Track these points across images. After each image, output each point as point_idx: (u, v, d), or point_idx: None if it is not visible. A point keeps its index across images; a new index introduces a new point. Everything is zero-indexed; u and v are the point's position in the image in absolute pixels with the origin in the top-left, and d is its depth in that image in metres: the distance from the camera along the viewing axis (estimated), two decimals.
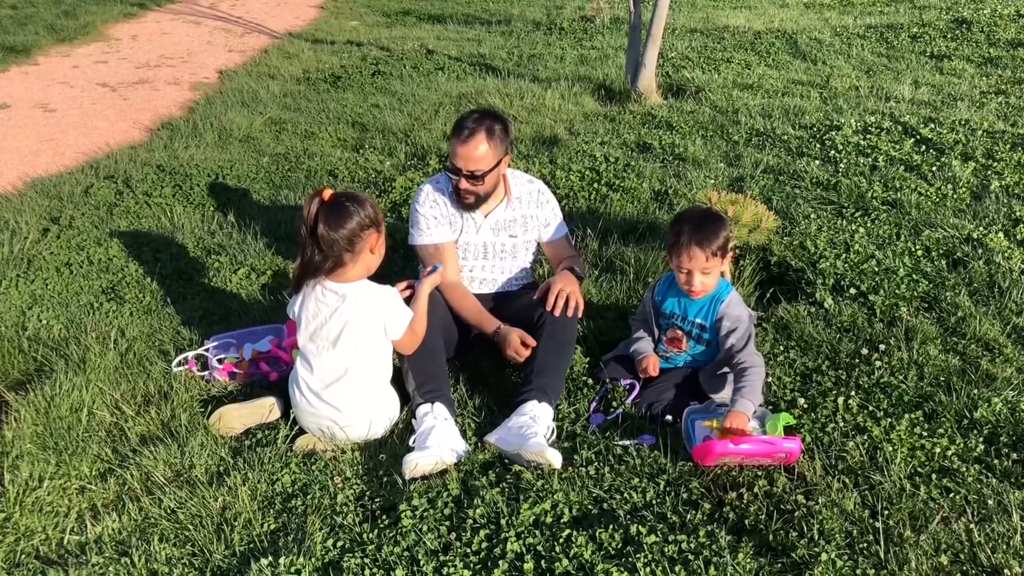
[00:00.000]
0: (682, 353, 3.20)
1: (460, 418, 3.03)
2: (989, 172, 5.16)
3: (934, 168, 5.24)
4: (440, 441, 2.78)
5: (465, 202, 3.33)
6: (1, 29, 10.48)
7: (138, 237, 4.54)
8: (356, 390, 2.89)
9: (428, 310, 3.08)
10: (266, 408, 3.05)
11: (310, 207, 2.77)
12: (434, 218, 3.38)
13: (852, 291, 3.76)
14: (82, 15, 11.69)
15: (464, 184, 3.26)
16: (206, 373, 3.31)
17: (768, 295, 3.89)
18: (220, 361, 3.29)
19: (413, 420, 2.92)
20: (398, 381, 3.06)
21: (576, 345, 3.37)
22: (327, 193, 2.80)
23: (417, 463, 2.68)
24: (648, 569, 2.25)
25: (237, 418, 3.01)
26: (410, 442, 2.83)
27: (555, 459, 2.70)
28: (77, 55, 9.87)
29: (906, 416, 2.89)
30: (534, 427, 2.82)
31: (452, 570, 2.27)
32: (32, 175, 5.72)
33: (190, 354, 3.37)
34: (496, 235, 3.45)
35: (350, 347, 2.86)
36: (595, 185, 5.06)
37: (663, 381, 3.16)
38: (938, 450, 2.74)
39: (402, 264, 4.23)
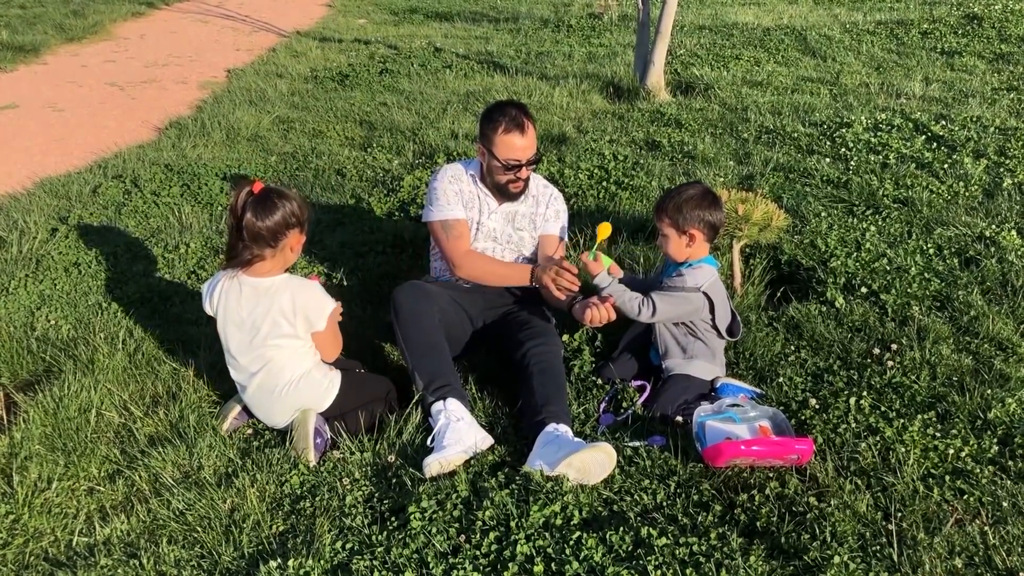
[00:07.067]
0: None
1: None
2: (1001, 169, 5.12)
3: (946, 165, 5.20)
4: (458, 438, 2.76)
5: (516, 191, 3.40)
6: (10, 29, 10.51)
7: (146, 237, 4.54)
8: (279, 380, 2.91)
9: (425, 305, 3.10)
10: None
11: (239, 196, 2.79)
12: (455, 193, 3.41)
13: (863, 290, 3.74)
14: (90, 14, 11.72)
15: (525, 173, 3.35)
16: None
17: (779, 294, 3.87)
18: None
19: (429, 418, 2.90)
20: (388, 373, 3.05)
21: (584, 346, 3.36)
22: (258, 185, 2.82)
23: (439, 463, 2.68)
24: (659, 572, 2.24)
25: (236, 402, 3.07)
26: (428, 442, 2.82)
27: (612, 450, 2.65)
28: (85, 54, 9.90)
29: (919, 416, 2.87)
30: (570, 436, 2.76)
31: (461, 572, 2.26)
32: (41, 175, 5.72)
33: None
34: (506, 225, 3.46)
35: (271, 341, 2.87)
36: (604, 183, 5.04)
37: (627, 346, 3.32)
38: (951, 451, 2.72)
39: (410, 263, 4.22)
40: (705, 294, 3.10)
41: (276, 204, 2.80)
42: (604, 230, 3.25)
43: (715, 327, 3.15)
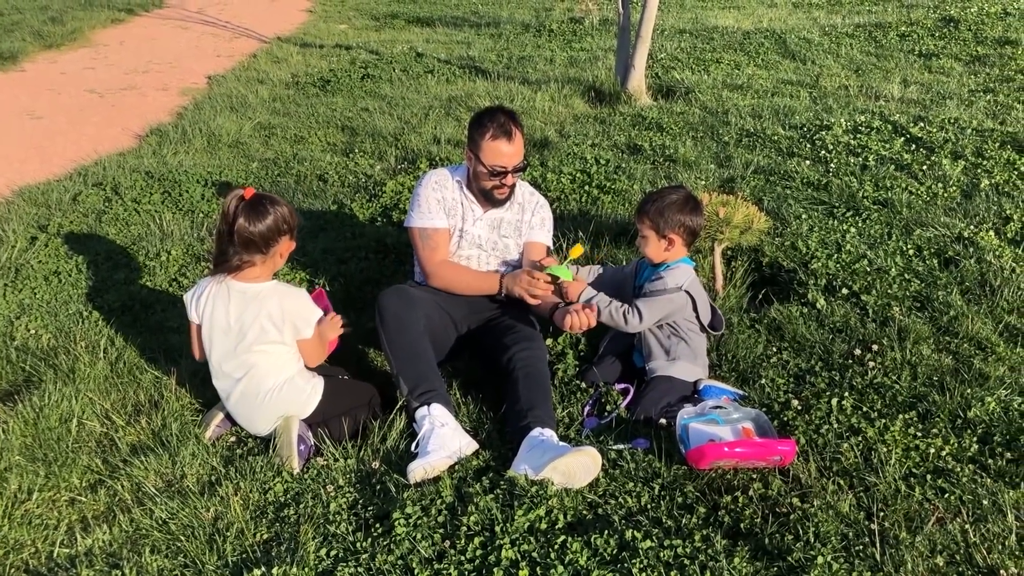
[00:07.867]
0: None
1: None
2: (979, 170, 5.17)
3: (924, 167, 5.25)
4: (442, 443, 2.75)
5: (501, 198, 3.38)
6: None
7: (127, 245, 4.51)
8: (262, 386, 2.90)
9: (410, 310, 3.09)
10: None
11: (231, 203, 2.80)
12: (437, 201, 3.39)
13: (844, 291, 3.76)
14: (69, 21, 11.63)
15: (510, 180, 3.32)
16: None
17: (760, 296, 3.89)
18: None
19: (414, 423, 2.90)
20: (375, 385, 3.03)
21: (568, 350, 3.37)
22: (249, 191, 2.82)
23: (424, 469, 2.68)
24: (644, 574, 2.24)
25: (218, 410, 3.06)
26: (413, 448, 2.82)
27: (597, 454, 2.64)
28: (64, 61, 9.82)
29: (900, 416, 2.89)
30: (555, 441, 2.76)
31: None
32: (20, 183, 5.67)
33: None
34: (491, 232, 3.46)
35: (256, 346, 2.86)
36: (586, 187, 5.05)
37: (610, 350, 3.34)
38: (932, 450, 2.74)
39: (393, 268, 4.22)
40: (687, 292, 3.13)
41: (268, 210, 2.81)
42: (575, 251, 3.26)
43: (700, 324, 3.18)
